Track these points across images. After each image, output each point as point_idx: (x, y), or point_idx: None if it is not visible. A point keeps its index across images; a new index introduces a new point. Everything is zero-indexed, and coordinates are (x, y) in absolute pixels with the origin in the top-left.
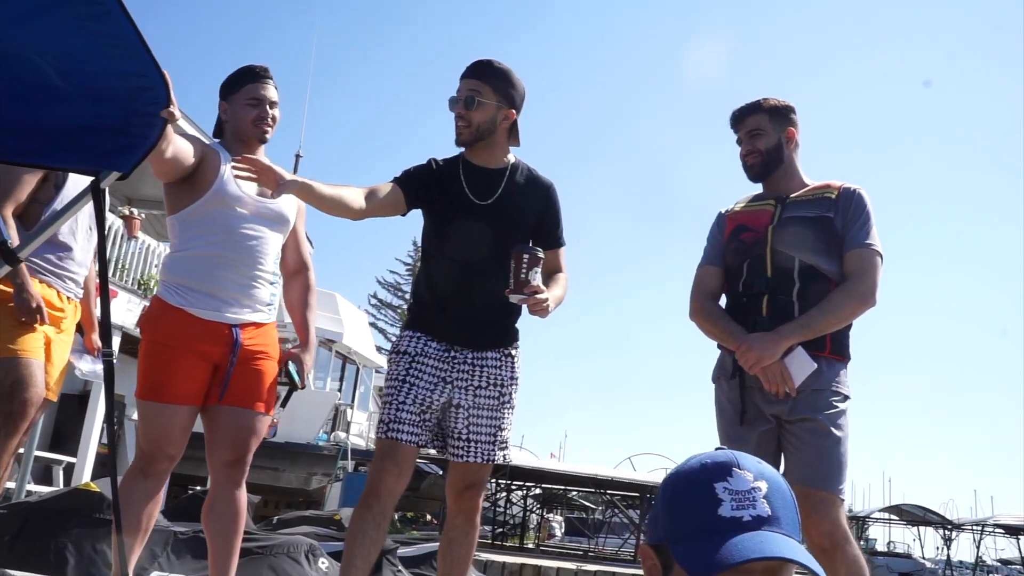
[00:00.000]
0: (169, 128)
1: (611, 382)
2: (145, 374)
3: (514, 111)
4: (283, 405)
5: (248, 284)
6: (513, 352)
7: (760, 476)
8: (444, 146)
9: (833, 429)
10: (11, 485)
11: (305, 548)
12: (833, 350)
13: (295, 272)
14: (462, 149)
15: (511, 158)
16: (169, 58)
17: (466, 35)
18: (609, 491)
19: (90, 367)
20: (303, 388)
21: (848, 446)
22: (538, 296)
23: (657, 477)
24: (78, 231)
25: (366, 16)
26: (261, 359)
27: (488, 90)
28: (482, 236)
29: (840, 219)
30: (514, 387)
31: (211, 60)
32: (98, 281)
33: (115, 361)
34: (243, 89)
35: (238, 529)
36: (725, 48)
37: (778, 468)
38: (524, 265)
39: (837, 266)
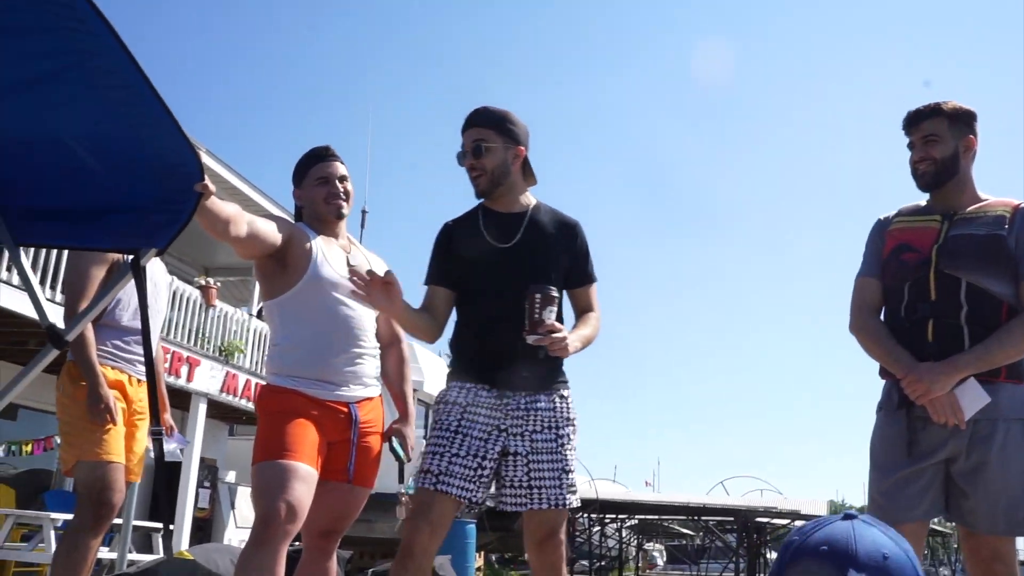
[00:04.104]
0: (225, 204)
1: (701, 405)
2: (268, 438)
3: (522, 147)
4: (401, 481)
5: (356, 362)
6: (565, 394)
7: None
8: None
9: (1014, 466)
10: (113, 555)
11: None
12: (1009, 375)
13: (389, 344)
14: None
15: (531, 200)
16: (240, 123)
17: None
18: (704, 517)
19: (172, 446)
20: (409, 462)
21: None
22: (555, 335)
23: (751, 500)
24: (151, 310)
25: (418, 67)
26: (371, 435)
27: (492, 134)
28: (511, 279)
29: (1014, 239)
30: (571, 428)
31: (273, 123)
32: (167, 349)
33: (200, 426)
34: (310, 172)
35: None
36: (725, 49)
37: (945, 507)
38: (537, 305)
39: (1008, 288)
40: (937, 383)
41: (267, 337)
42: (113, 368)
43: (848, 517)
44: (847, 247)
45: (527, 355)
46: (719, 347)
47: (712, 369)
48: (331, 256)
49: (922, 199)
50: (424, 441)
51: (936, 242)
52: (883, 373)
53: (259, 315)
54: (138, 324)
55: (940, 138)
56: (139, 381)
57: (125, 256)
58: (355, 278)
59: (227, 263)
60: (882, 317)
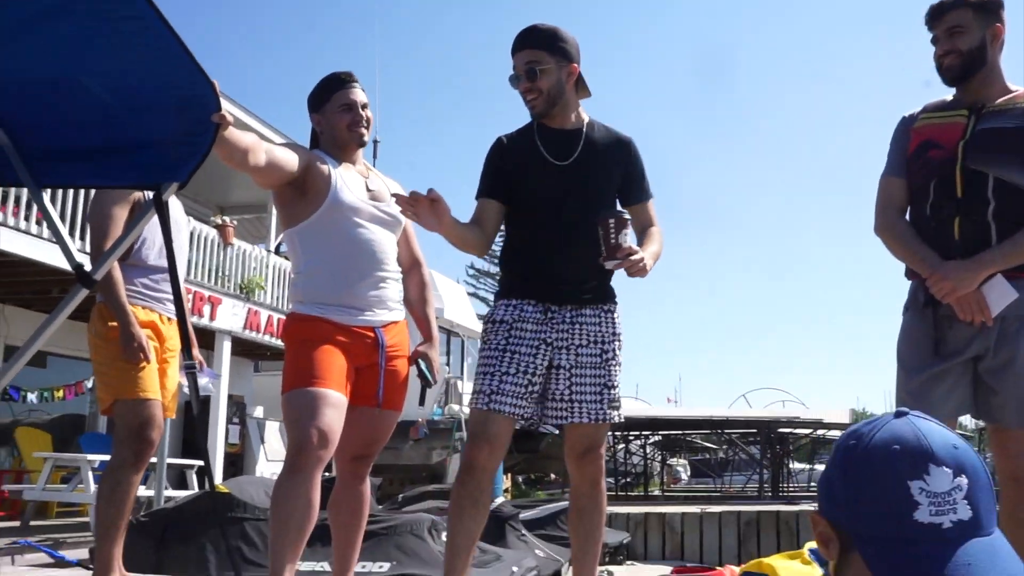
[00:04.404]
0: (243, 134)
1: (720, 318)
2: (296, 366)
3: (575, 64)
4: (422, 403)
5: (379, 287)
6: (612, 308)
7: (959, 468)
8: (518, 118)
9: None
10: (150, 492)
11: (428, 524)
12: None
13: (409, 268)
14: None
15: (585, 117)
16: (251, 61)
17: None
18: (727, 431)
19: (204, 380)
20: (435, 383)
21: None
22: (633, 258)
23: (773, 412)
24: (177, 249)
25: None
26: (398, 358)
27: (544, 55)
28: (567, 196)
29: None
30: (617, 343)
31: (283, 60)
32: (188, 290)
33: (226, 364)
34: (333, 97)
35: (361, 522)
36: (724, 48)
37: (973, 404)
38: (612, 230)
39: None
40: (963, 281)
41: (286, 272)
42: (144, 307)
43: (900, 414)
44: (871, 151)
45: (577, 270)
46: (734, 260)
47: (729, 282)
48: (350, 181)
49: (948, 94)
50: (447, 367)
51: (962, 137)
52: (909, 273)
53: (277, 251)
54: (164, 262)
55: (966, 28)
56: (169, 319)
57: (146, 194)
58: (399, 199)
59: (242, 200)
60: (908, 217)
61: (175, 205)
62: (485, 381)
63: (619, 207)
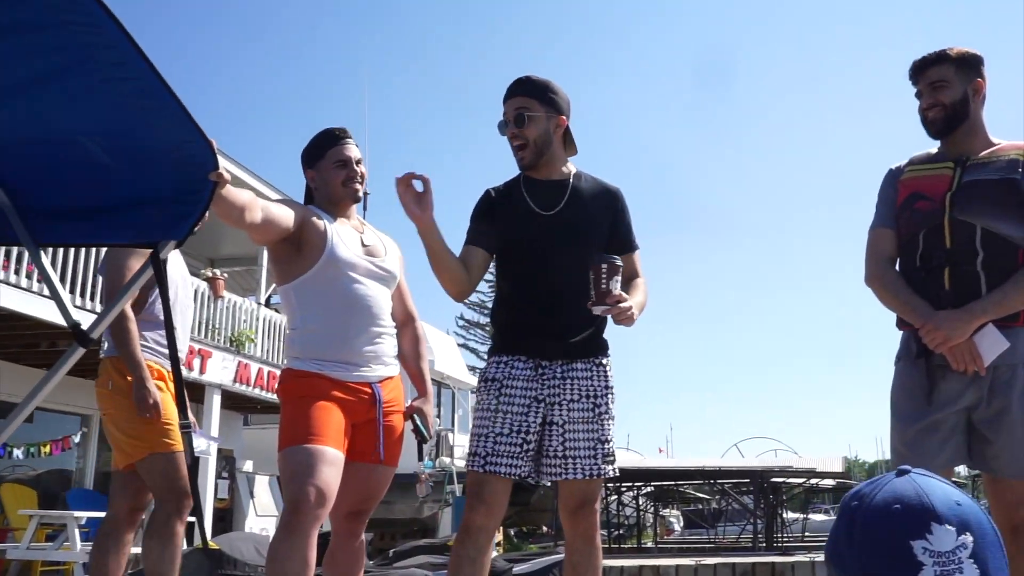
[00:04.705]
0: (240, 191)
1: (711, 368)
2: (293, 423)
3: (564, 117)
4: (420, 458)
5: (375, 342)
6: (604, 362)
7: (963, 526)
8: (503, 167)
9: None
10: (137, 550)
11: None
12: None
13: (403, 323)
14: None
15: (572, 168)
16: (236, 110)
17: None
18: (720, 480)
19: (203, 445)
20: (431, 439)
21: None
22: (621, 305)
23: (766, 461)
24: (176, 308)
25: (415, 45)
26: (394, 413)
27: (534, 103)
28: (554, 245)
29: None
30: (610, 397)
31: (272, 118)
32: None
33: (215, 418)
34: (327, 154)
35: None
36: (725, 47)
37: (967, 454)
38: (603, 275)
39: None
40: (955, 331)
41: (277, 325)
42: (156, 362)
43: (902, 472)
44: (858, 203)
45: (566, 323)
46: (726, 310)
47: (720, 332)
48: (346, 237)
49: (932, 147)
50: (438, 419)
51: (949, 189)
52: (900, 323)
53: (267, 303)
54: (177, 319)
55: (948, 83)
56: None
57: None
58: (399, 178)
59: (232, 253)
60: (897, 268)
61: (177, 263)
62: (479, 443)
63: (618, 258)
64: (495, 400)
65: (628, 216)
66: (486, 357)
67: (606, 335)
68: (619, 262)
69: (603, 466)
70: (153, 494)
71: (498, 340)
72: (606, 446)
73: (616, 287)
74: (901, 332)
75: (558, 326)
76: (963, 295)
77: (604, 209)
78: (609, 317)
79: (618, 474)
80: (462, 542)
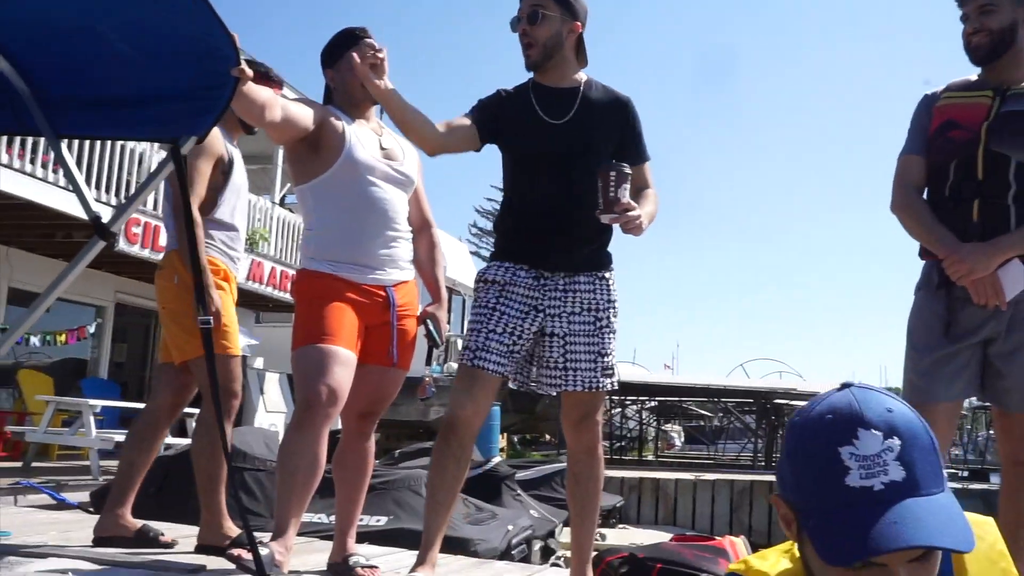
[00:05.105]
0: (260, 89)
1: (720, 287)
2: (307, 322)
3: (579, 23)
4: (429, 363)
5: (391, 245)
6: (607, 276)
7: (891, 430)
8: (513, 75)
9: None
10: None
11: (425, 480)
12: None
13: (420, 229)
14: (531, 74)
15: (583, 76)
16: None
17: None
18: (723, 399)
19: (243, 341)
20: (442, 344)
21: None
22: (630, 214)
23: (770, 383)
24: (237, 211)
25: None
26: (407, 317)
27: (550, 3)
28: (562, 155)
29: None
30: (612, 311)
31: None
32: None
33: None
34: (348, 54)
35: (365, 478)
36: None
37: (980, 387)
38: (612, 183)
39: None
40: (980, 264)
41: (291, 225)
42: (222, 261)
43: (845, 386)
44: (881, 122)
45: (572, 234)
46: (741, 228)
47: (733, 251)
48: (364, 139)
49: (972, 73)
50: (448, 325)
51: (986, 119)
52: (923, 253)
53: (282, 202)
54: (237, 222)
55: (997, 7)
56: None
57: (230, 151)
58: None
59: (247, 151)
60: (925, 196)
61: (240, 168)
62: (472, 338)
63: (627, 166)
64: (494, 300)
65: (639, 126)
66: (487, 261)
67: (611, 248)
68: (627, 169)
69: (603, 379)
70: (203, 394)
71: (501, 246)
72: (606, 359)
73: (625, 195)
74: (923, 262)
75: (563, 237)
76: (991, 228)
77: (615, 119)
78: (616, 228)
79: (617, 387)
80: (445, 438)
